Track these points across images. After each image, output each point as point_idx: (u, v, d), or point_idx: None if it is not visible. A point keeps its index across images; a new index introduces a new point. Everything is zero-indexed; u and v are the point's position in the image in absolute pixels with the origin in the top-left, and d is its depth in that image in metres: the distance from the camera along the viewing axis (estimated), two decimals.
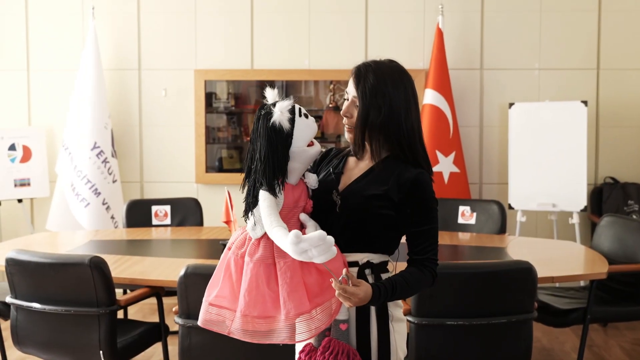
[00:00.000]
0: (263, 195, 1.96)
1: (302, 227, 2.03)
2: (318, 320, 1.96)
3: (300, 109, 2.03)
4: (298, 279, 1.95)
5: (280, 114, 1.97)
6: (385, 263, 2.13)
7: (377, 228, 2.08)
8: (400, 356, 2.13)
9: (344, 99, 2.16)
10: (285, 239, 1.81)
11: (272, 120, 1.97)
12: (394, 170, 2.09)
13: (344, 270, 1.92)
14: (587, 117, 5.37)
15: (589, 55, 5.81)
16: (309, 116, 2.05)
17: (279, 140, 1.98)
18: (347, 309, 2.04)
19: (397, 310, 2.15)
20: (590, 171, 5.78)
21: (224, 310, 2.00)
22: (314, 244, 1.76)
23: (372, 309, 2.07)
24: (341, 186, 2.14)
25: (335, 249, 1.79)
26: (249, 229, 2.03)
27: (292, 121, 1.99)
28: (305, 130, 2.02)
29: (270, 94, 2.05)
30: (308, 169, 2.13)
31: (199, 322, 2.04)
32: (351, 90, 2.11)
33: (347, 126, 2.15)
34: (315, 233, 1.78)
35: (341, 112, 2.14)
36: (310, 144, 2.06)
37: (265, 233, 1.96)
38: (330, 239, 1.78)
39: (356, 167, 2.18)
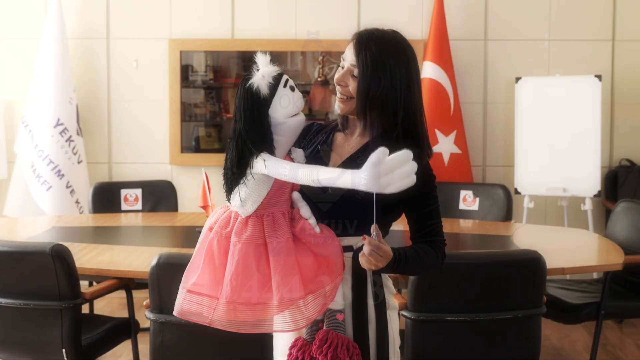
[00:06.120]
0: (262, 158, 1.92)
1: (292, 207, 2.02)
2: (311, 309, 1.94)
3: (287, 80, 2.01)
4: (293, 262, 1.94)
5: (261, 77, 1.97)
6: None
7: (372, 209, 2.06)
8: (396, 346, 2.17)
9: (339, 67, 2.15)
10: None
11: (249, 82, 1.96)
12: (391, 149, 2.07)
13: (373, 227, 1.91)
14: (602, 92, 5.36)
15: (604, 26, 5.80)
16: (295, 89, 2.03)
17: (255, 104, 1.96)
18: (342, 299, 2.06)
19: (391, 298, 2.19)
20: (605, 153, 5.78)
21: (204, 297, 1.97)
22: (395, 165, 1.76)
23: (369, 298, 2.09)
24: (332, 164, 2.13)
25: (414, 177, 1.79)
26: (237, 206, 1.99)
27: (274, 88, 1.97)
28: (286, 101, 2.00)
29: (262, 60, 2.03)
30: (294, 145, 2.10)
31: (175, 312, 2.01)
32: (349, 58, 2.11)
33: (339, 95, 2.14)
34: (399, 153, 1.77)
35: (335, 80, 2.14)
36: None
37: (255, 211, 1.95)
38: (412, 162, 1.79)
39: (346, 144, 2.19)
